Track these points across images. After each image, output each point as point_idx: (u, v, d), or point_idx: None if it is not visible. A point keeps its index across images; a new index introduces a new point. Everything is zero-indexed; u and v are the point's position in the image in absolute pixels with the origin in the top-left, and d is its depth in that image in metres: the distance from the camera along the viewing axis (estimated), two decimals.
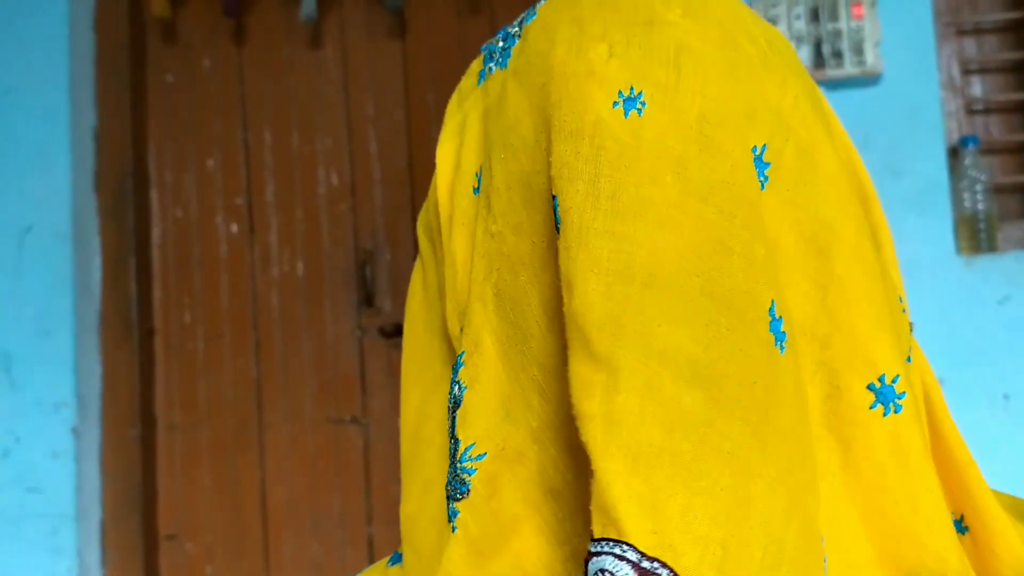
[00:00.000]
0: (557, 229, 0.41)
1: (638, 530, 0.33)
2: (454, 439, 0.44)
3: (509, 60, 0.47)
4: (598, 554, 0.34)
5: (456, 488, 0.44)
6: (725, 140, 0.40)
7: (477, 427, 0.43)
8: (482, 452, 0.43)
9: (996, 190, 1.74)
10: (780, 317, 0.39)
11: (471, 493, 0.43)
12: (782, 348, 0.39)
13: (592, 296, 0.37)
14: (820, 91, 0.50)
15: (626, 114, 0.40)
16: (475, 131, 0.48)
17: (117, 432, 1.97)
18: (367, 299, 2.00)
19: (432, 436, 0.50)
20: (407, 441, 0.52)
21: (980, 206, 1.69)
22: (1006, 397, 1.63)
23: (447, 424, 0.48)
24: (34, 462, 1.96)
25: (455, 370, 0.45)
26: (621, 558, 0.33)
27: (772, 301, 0.39)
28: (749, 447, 0.35)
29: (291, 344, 2.04)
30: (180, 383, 2.06)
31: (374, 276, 2.01)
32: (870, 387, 0.43)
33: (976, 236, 1.69)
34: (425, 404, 0.51)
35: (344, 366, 2.01)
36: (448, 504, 0.44)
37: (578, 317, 0.38)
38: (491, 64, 0.49)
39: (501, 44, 0.49)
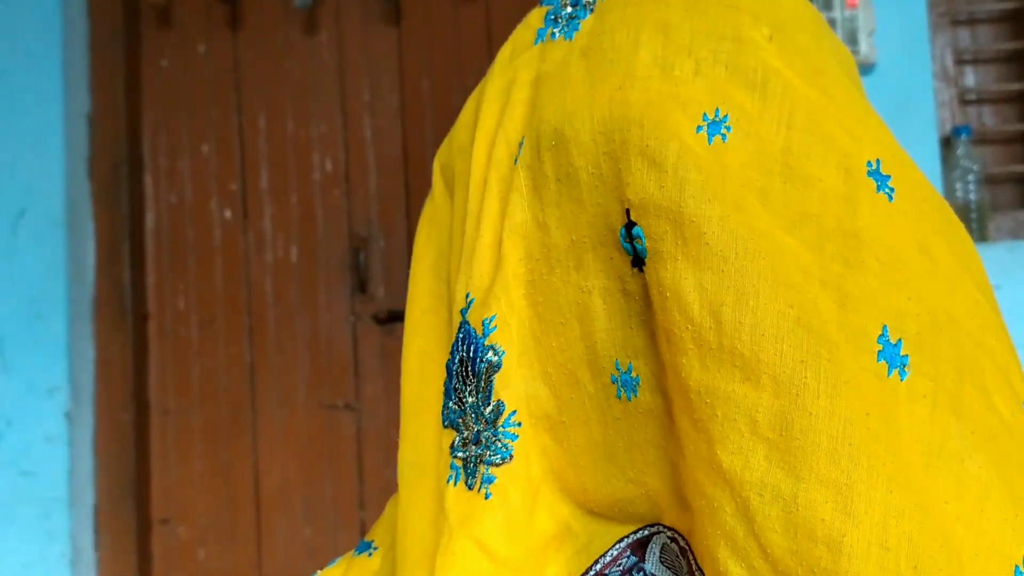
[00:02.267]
0: (629, 252, 0.40)
1: None
2: (495, 403, 0.43)
3: (576, 34, 0.45)
4: None
5: (496, 452, 0.43)
6: (813, 170, 0.39)
7: (518, 393, 0.43)
8: (520, 420, 0.44)
9: (988, 180, 1.75)
10: (899, 340, 0.37)
11: (515, 460, 0.43)
12: (903, 373, 0.37)
13: (689, 358, 0.37)
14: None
15: (710, 139, 0.39)
16: (523, 95, 0.46)
17: (110, 417, 1.98)
18: (361, 286, 2.00)
19: (437, 378, 0.49)
20: (411, 384, 0.51)
21: (972, 196, 1.70)
22: None
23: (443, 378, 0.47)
24: (27, 446, 1.96)
25: (485, 332, 0.44)
26: None
27: (884, 327, 0.37)
28: (863, 484, 0.35)
29: (285, 330, 2.04)
30: (174, 368, 2.06)
31: (368, 263, 2.01)
32: None
33: (968, 226, 1.69)
34: (428, 346, 0.50)
35: (337, 352, 2.02)
36: (475, 468, 0.43)
37: (680, 378, 0.38)
38: (554, 28, 0.47)
39: (569, 9, 0.46)
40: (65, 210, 2.01)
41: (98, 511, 1.96)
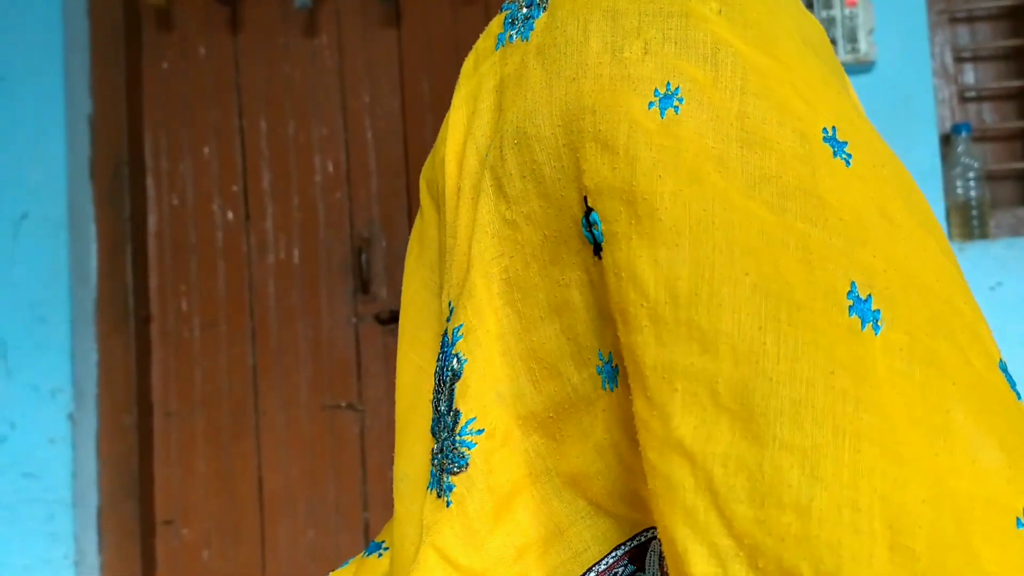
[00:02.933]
0: (591, 241, 0.40)
1: None
2: (453, 411, 0.44)
3: (531, 34, 0.45)
4: None
5: (453, 461, 0.43)
6: (770, 134, 0.39)
7: (478, 402, 0.43)
8: (481, 428, 0.43)
9: (988, 177, 1.75)
10: (869, 296, 0.37)
11: (470, 467, 0.43)
12: (876, 328, 0.36)
13: (646, 335, 0.37)
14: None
15: (662, 113, 0.39)
16: (489, 102, 0.47)
17: (113, 418, 1.98)
18: (363, 286, 2.01)
19: (430, 392, 0.50)
20: (405, 397, 0.51)
21: (972, 193, 1.70)
22: None
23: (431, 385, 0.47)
24: (31, 448, 1.96)
25: (452, 341, 0.44)
26: None
27: (852, 283, 0.37)
28: (829, 446, 0.34)
29: (287, 331, 2.04)
30: (176, 370, 2.07)
31: (370, 263, 2.02)
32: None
33: (968, 223, 1.70)
34: (423, 361, 0.50)
35: (340, 353, 2.02)
36: (440, 476, 0.44)
37: (635, 356, 0.37)
38: (512, 31, 0.47)
39: (524, 11, 0.47)
40: (67, 213, 2.01)
41: (101, 513, 1.96)
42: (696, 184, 0.38)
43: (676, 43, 0.40)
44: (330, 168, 2.06)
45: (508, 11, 0.49)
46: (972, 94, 1.83)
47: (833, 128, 0.40)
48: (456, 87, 0.50)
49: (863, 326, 0.36)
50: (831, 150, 0.40)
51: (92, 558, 1.94)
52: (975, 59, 1.84)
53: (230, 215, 2.09)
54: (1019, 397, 0.38)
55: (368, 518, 1.99)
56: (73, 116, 2.04)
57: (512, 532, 0.44)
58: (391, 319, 1.97)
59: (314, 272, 2.05)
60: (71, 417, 1.97)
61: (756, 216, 0.37)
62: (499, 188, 0.44)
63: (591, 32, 0.42)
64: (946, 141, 1.76)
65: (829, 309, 0.36)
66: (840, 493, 0.33)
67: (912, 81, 1.74)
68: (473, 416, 0.43)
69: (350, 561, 0.54)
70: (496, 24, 0.50)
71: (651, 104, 0.39)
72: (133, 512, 1.97)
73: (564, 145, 0.41)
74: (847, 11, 1.70)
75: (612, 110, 0.40)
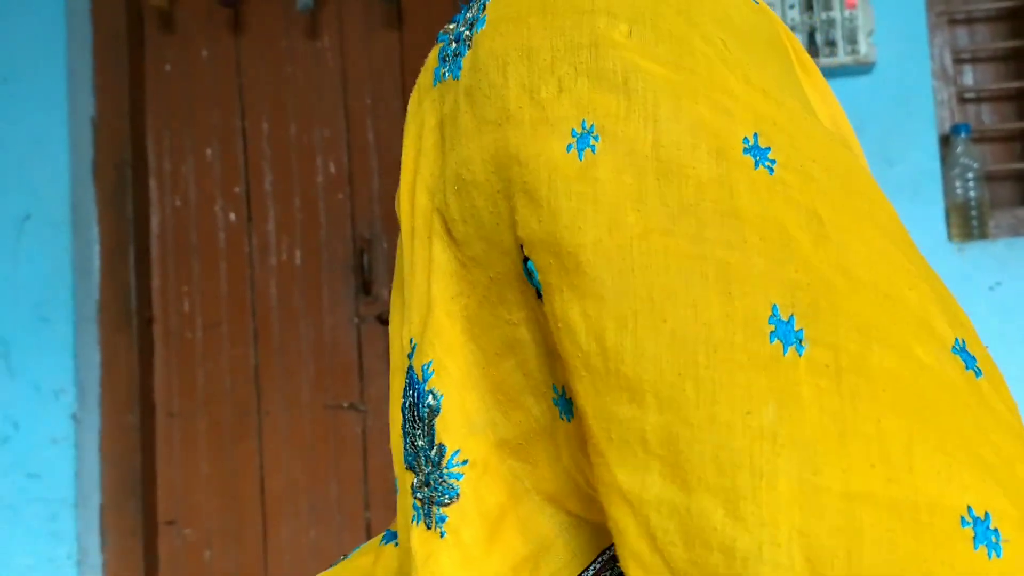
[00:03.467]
0: (533, 285, 0.41)
1: None
2: (437, 445, 0.44)
3: (460, 73, 0.45)
4: None
5: (444, 493, 0.44)
6: (685, 159, 0.39)
7: (459, 434, 0.44)
8: (465, 459, 0.44)
9: (987, 178, 1.76)
10: (791, 316, 0.37)
11: (462, 498, 0.44)
12: (800, 349, 0.36)
13: (585, 385, 0.38)
14: (800, 70, 0.49)
15: (580, 155, 0.39)
16: (432, 140, 0.47)
17: (116, 419, 1.99)
18: (365, 287, 2.01)
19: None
20: (399, 429, 0.52)
21: (972, 193, 1.71)
22: None
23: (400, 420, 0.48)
24: (34, 448, 1.97)
25: (423, 378, 0.45)
26: None
27: (774, 306, 0.37)
28: (747, 487, 0.35)
29: (289, 332, 2.05)
30: (179, 370, 2.07)
31: (372, 264, 2.02)
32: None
33: (968, 223, 1.71)
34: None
35: (342, 353, 2.03)
36: (429, 509, 0.44)
37: (579, 403, 0.38)
38: (444, 68, 0.47)
39: (453, 46, 0.47)
40: (70, 213, 2.02)
41: (104, 513, 1.96)
42: (615, 231, 0.38)
43: (588, 76, 0.40)
44: (332, 169, 2.07)
45: (442, 43, 0.48)
46: (971, 95, 1.84)
47: (755, 135, 0.40)
48: (405, 124, 0.51)
49: (785, 350, 0.36)
50: (752, 160, 0.39)
51: (95, 558, 1.94)
52: (974, 60, 1.85)
53: (232, 216, 2.09)
54: (978, 375, 0.38)
55: (370, 518, 2.00)
56: (76, 117, 2.05)
57: (506, 553, 0.44)
58: None
59: (316, 273, 2.05)
60: (74, 417, 1.98)
61: (676, 253, 0.37)
62: (448, 231, 0.45)
63: (509, 75, 0.42)
64: (945, 142, 1.77)
65: (749, 341, 0.36)
66: (760, 531, 0.34)
67: (912, 82, 1.75)
68: (457, 448, 0.44)
69: (362, 546, 0.55)
70: (432, 58, 0.49)
71: (569, 147, 0.39)
72: (135, 512, 1.98)
73: (498, 192, 0.42)
74: (847, 13, 1.71)
75: (535, 159, 0.40)
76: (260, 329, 2.06)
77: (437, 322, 0.45)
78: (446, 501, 0.44)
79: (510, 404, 0.44)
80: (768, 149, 0.40)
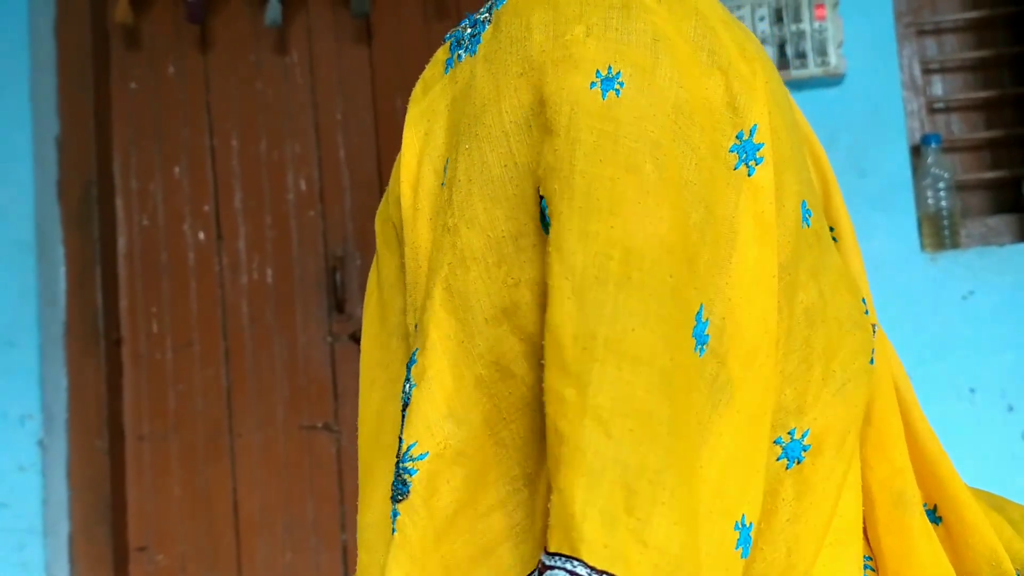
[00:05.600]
0: (546, 231, 0.40)
1: (591, 546, 0.34)
2: (400, 439, 0.44)
3: (479, 47, 0.46)
4: (551, 568, 0.35)
5: (398, 489, 0.43)
6: (693, 135, 0.40)
7: (420, 425, 0.43)
8: (424, 451, 0.43)
9: (958, 187, 1.77)
10: (707, 320, 0.39)
11: (411, 494, 0.43)
12: (701, 351, 0.39)
13: (567, 306, 0.37)
14: (783, 86, 0.50)
15: (603, 95, 0.39)
16: (442, 121, 0.47)
17: (84, 444, 1.95)
18: (338, 305, 1.99)
19: (393, 440, 0.49)
20: (366, 446, 0.51)
21: (943, 203, 1.72)
22: (972, 391, 1.66)
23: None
24: (0, 476, 1.92)
25: (408, 368, 0.44)
26: (572, 573, 0.34)
27: (701, 305, 0.39)
28: (707, 456, 0.36)
29: (262, 352, 2.02)
30: (149, 393, 2.04)
31: (344, 282, 2.00)
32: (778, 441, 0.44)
33: (940, 233, 1.72)
34: (385, 405, 0.50)
35: (315, 373, 2.00)
36: (392, 506, 0.44)
37: (554, 329, 0.37)
38: (459, 51, 0.48)
39: (469, 31, 0.48)
40: (35, 235, 1.98)
41: (73, 541, 1.92)
42: (632, 174, 0.38)
43: (618, 30, 0.41)
44: (303, 186, 2.05)
45: (452, 38, 0.49)
46: (940, 105, 1.85)
47: (753, 129, 0.42)
48: (406, 121, 0.51)
49: (701, 352, 0.40)
50: (736, 158, 0.41)
51: None
52: (943, 71, 1.86)
53: (201, 235, 2.06)
54: (702, 352, 0.40)
55: (346, 539, 1.97)
56: (40, 137, 2.01)
57: (446, 554, 0.43)
58: None
59: (288, 291, 2.03)
60: (41, 443, 1.94)
61: (682, 212, 0.39)
62: (449, 199, 0.44)
63: (533, 26, 0.42)
64: (916, 152, 1.78)
65: (689, 354, 0.38)
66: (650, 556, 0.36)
67: (882, 93, 1.76)
68: (414, 441, 0.43)
69: None
70: (442, 52, 0.50)
71: (592, 84, 0.40)
72: (106, 539, 1.94)
73: (516, 142, 0.42)
74: (816, 24, 1.71)
75: (556, 93, 0.40)
76: (231, 349, 2.03)
77: (424, 306, 0.44)
78: (399, 497, 0.43)
79: (496, 376, 0.43)
80: (761, 145, 0.42)
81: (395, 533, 0.43)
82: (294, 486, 1.99)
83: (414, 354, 0.44)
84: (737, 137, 0.41)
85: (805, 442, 0.43)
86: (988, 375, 1.66)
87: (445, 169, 0.46)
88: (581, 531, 0.34)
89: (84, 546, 1.93)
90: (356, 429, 1.84)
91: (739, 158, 0.41)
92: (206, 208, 2.07)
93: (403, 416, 0.44)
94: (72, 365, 1.96)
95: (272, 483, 1.99)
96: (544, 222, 0.40)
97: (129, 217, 2.08)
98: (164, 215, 2.08)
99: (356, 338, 1.97)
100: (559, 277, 0.37)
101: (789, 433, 0.43)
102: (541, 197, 0.40)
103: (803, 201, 0.44)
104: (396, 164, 0.51)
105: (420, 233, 0.46)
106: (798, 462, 0.43)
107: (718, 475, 0.38)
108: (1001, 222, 1.77)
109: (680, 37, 0.41)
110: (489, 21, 0.46)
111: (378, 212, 0.53)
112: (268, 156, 2.06)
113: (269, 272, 2.04)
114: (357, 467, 1.86)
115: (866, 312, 0.47)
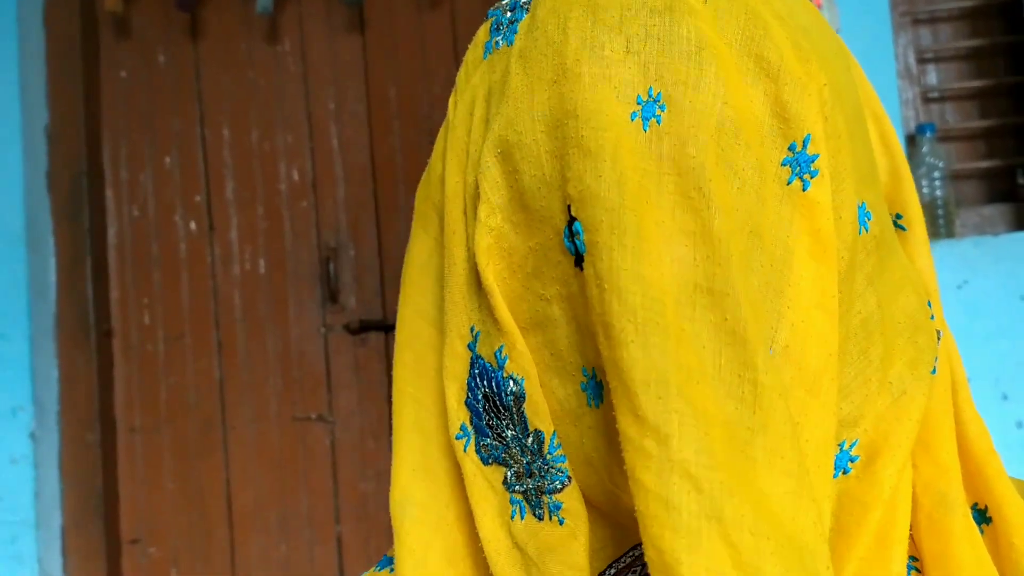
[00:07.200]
0: (572, 252, 0.39)
1: None
2: (533, 432, 0.43)
3: (515, 37, 0.44)
4: None
5: (554, 480, 0.42)
6: (737, 157, 0.38)
7: (548, 415, 0.42)
8: (560, 442, 0.42)
9: (953, 177, 1.77)
10: (772, 350, 0.39)
11: (572, 481, 0.42)
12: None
13: (634, 350, 0.36)
14: (851, 72, 0.48)
15: (645, 125, 0.38)
16: (480, 112, 0.46)
17: (76, 436, 1.93)
18: (331, 296, 1.98)
19: (423, 425, 0.48)
20: (406, 431, 0.50)
21: (938, 193, 1.72)
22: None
23: (465, 416, 0.46)
24: None
25: (499, 364, 0.43)
26: None
27: (764, 336, 0.38)
28: (791, 498, 0.35)
29: (255, 343, 2.01)
30: (140, 385, 2.02)
31: (338, 273, 1.99)
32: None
33: (935, 222, 1.72)
34: (419, 392, 0.49)
35: (309, 364, 1.99)
36: (539, 499, 0.43)
37: (622, 373, 0.36)
38: (498, 38, 0.46)
39: (509, 15, 0.46)
40: (24, 226, 1.97)
41: (66, 533, 1.91)
42: (677, 216, 0.37)
43: (660, 39, 0.39)
44: (295, 176, 2.03)
45: (493, 17, 0.48)
46: (935, 95, 1.85)
47: (806, 140, 0.40)
48: (451, 103, 0.49)
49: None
50: (789, 172, 0.40)
51: None
52: (937, 60, 1.86)
53: (193, 226, 2.05)
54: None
55: (341, 531, 1.97)
56: (29, 127, 1.99)
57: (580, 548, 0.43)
58: (361, 329, 1.95)
59: (281, 282, 2.02)
60: (32, 436, 1.92)
61: (725, 241, 0.38)
62: (487, 197, 0.43)
63: (570, 30, 0.40)
64: (911, 141, 1.77)
65: (765, 351, 0.37)
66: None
67: (877, 82, 1.74)
68: (554, 430, 0.42)
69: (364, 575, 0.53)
70: (483, 32, 0.48)
71: (633, 115, 0.38)
72: (98, 532, 1.93)
73: (547, 152, 0.40)
74: None
75: (596, 115, 0.38)
76: (224, 341, 2.02)
77: (496, 302, 0.43)
78: (558, 487, 0.42)
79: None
80: (816, 156, 0.40)
81: (564, 523, 0.42)
82: (288, 478, 1.98)
83: (499, 349, 0.43)
84: (789, 149, 0.39)
85: (853, 452, 0.42)
86: (982, 364, 1.67)
87: (480, 162, 0.45)
88: None
89: (76, 538, 1.92)
90: (350, 420, 1.82)
91: (792, 171, 0.40)
92: (197, 199, 2.05)
93: (509, 409, 0.43)
94: (63, 357, 1.94)
95: (266, 475, 1.98)
96: (571, 243, 0.39)
97: (120, 208, 2.07)
98: (155, 206, 2.06)
99: (350, 329, 1.96)
100: (620, 318, 0.36)
101: (839, 444, 0.42)
102: (573, 218, 0.39)
103: (862, 204, 0.43)
104: (439, 140, 0.49)
105: (467, 226, 0.45)
106: (844, 473, 0.42)
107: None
108: (996, 211, 1.77)
109: (724, 42, 0.39)
110: (527, 9, 0.44)
111: (418, 190, 0.52)
112: (260, 146, 2.05)
113: (262, 263, 2.02)
114: (351, 459, 1.83)
115: (932, 316, 0.46)
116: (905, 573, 0.43)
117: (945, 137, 1.82)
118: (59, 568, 1.90)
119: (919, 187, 1.73)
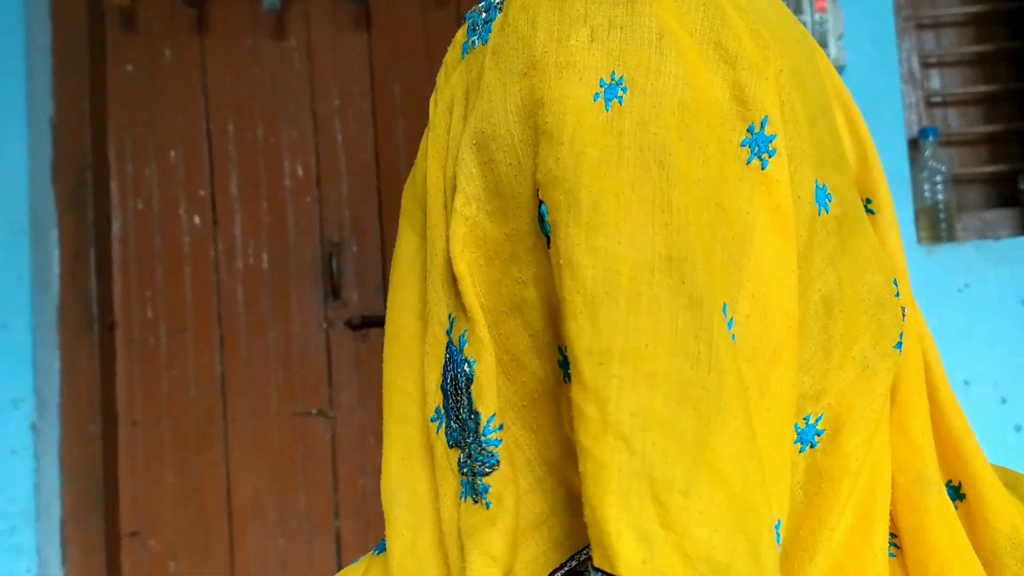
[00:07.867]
0: (544, 234, 0.40)
1: (629, 564, 0.34)
2: (474, 413, 0.44)
3: (490, 36, 0.46)
4: None
5: (483, 462, 0.43)
6: (701, 134, 0.39)
7: (492, 399, 0.44)
8: (500, 424, 0.44)
9: (955, 181, 1.78)
10: (732, 319, 0.39)
11: (501, 464, 0.43)
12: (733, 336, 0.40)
13: (581, 321, 0.37)
14: (816, 60, 0.49)
15: (607, 105, 0.39)
16: (459, 110, 0.48)
17: (77, 428, 1.94)
18: (334, 291, 1.98)
19: (409, 413, 0.49)
20: (395, 421, 0.51)
21: (940, 196, 1.72)
22: (966, 383, 1.67)
23: (439, 400, 0.47)
24: None
25: (460, 348, 0.44)
26: None
27: (724, 304, 0.39)
28: (740, 459, 0.36)
29: (256, 338, 2.01)
30: (142, 378, 2.03)
31: (340, 268, 1.99)
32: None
33: (936, 226, 1.72)
34: (406, 383, 0.50)
35: (311, 359, 2.00)
36: (473, 481, 0.44)
37: (570, 343, 0.37)
38: (474, 37, 0.48)
39: (484, 15, 0.48)
40: (29, 218, 1.97)
41: (65, 525, 1.91)
42: (637, 188, 0.38)
43: (623, 28, 0.40)
44: (299, 172, 2.04)
45: (470, 19, 0.50)
46: (938, 99, 1.85)
47: (764, 121, 0.41)
48: (431, 103, 0.51)
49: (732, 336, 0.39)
50: (748, 152, 0.41)
51: (55, 572, 1.89)
52: (941, 65, 1.87)
53: (197, 220, 2.05)
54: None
55: (340, 526, 1.97)
56: (35, 120, 1.99)
57: (522, 519, 0.44)
58: (362, 325, 1.95)
59: (284, 277, 2.02)
60: (34, 427, 1.93)
61: (690, 213, 0.38)
62: (465, 187, 0.44)
63: (539, 24, 0.42)
64: (914, 145, 1.78)
65: (722, 327, 0.38)
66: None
67: (881, 86, 1.76)
68: (492, 413, 0.43)
69: (360, 559, 0.54)
70: (460, 34, 0.50)
71: (596, 96, 0.40)
72: (98, 524, 1.93)
73: (520, 141, 0.42)
74: (817, 16, 1.71)
75: (558, 101, 0.40)
76: (226, 335, 2.02)
77: (464, 288, 0.44)
78: (487, 470, 0.43)
79: (514, 365, 0.44)
80: (773, 137, 0.41)
81: (490, 506, 0.43)
82: (287, 473, 1.98)
83: (463, 333, 0.44)
84: (748, 130, 0.41)
85: (819, 427, 0.43)
86: (982, 368, 1.67)
87: (457, 156, 0.46)
88: (617, 550, 0.34)
89: (76, 531, 1.92)
90: (350, 416, 1.82)
91: (751, 152, 0.41)
92: (202, 193, 2.06)
93: (468, 393, 0.44)
94: (65, 349, 1.95)
95: (265, 470, 1.99)
96: (543, 226, 0.41)
97: (124, 201, 2.07)
98: (159, 199, 2.06)
99: (352, 325, 1.96)
100: (571, 291, 0.37)
101: (805, 419, 0.43)
102: (540, 202, 0.40)
103: (823, 186, 0.44)
104: (423, 141, 0.51)
105: (445, 220, 0.47)
106: (811, 447, 0.43)
107: None
108: (997, 216, 1.78)
109: (685, 31, 0.41)
110: (500, 8, 0.46)
111: (404, 192, 0.53)
112: (265, 141, 2.05)
113: (265, 258, 2.03)
114: (351, 454, 1.83)
115: (897, 294, 0.47)
116: (887, 548, 0.43)
117: (948, 141, 1.82)
118: (58, 560, 1.90)
119: (922, 190, 1.73)
